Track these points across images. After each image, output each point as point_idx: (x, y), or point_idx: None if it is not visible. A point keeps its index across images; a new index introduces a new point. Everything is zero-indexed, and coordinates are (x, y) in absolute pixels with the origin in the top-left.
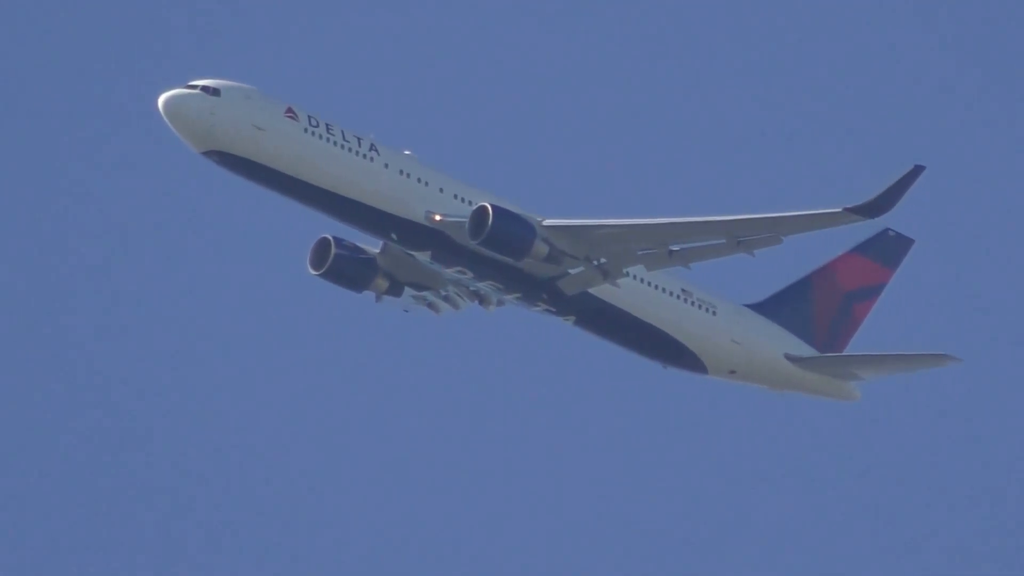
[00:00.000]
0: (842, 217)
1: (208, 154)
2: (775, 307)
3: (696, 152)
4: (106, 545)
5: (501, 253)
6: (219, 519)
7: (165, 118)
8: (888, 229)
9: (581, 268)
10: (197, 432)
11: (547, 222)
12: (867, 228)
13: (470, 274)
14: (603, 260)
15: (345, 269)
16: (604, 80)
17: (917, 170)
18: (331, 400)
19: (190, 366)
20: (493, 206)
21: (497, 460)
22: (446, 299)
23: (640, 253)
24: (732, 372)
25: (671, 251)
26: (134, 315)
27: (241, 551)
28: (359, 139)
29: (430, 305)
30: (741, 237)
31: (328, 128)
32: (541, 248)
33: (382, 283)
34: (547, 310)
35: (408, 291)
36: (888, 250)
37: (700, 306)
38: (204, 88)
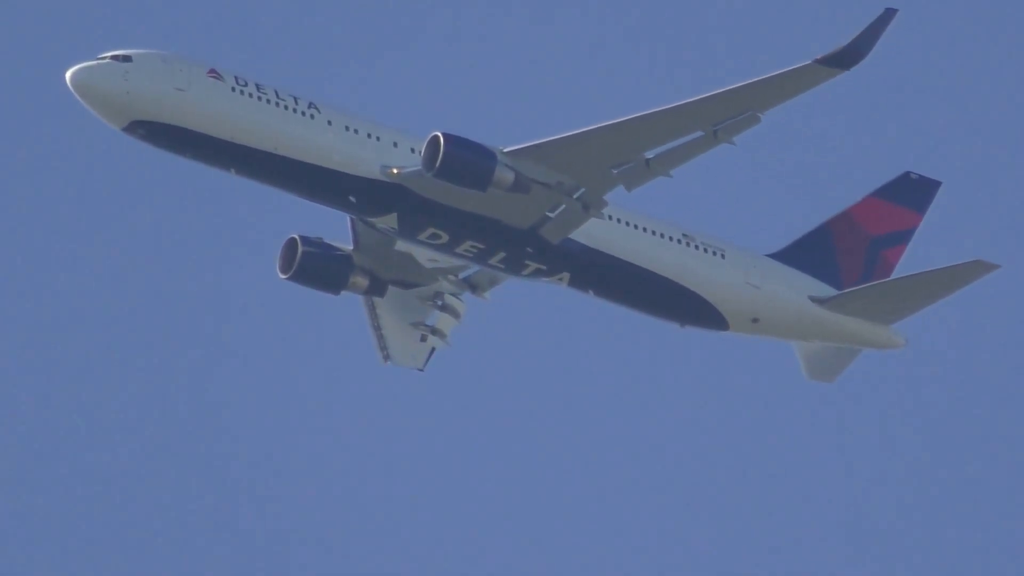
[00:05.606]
0: (815, 71)
1: (130, 128)
2: (793, 255)
3: None
4: None
5: (463, 183)
6: None
7: (76, 94)
8: (909, 172)
9: (562, 207)
10: None
11: (508, 149)
12: (888, 172)
13: (444, 237)
14: (581, 190)
15: (316, 268)
16: None
17: (889, 13)
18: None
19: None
20: (446, 133)
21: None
22: (443, 308)
23: (616, 172)
24: (755, 321)
25: (648, 160)
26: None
27: None
28: (295, 98)
29: (434, 332)
30: (717, 124)
31: (259, 87)
32: (505, 175)
33: (361, 281)
34: (537, 270)
35: (392, 290)
36: (912, 193)
37: (706, 250)
38: (114, 57)
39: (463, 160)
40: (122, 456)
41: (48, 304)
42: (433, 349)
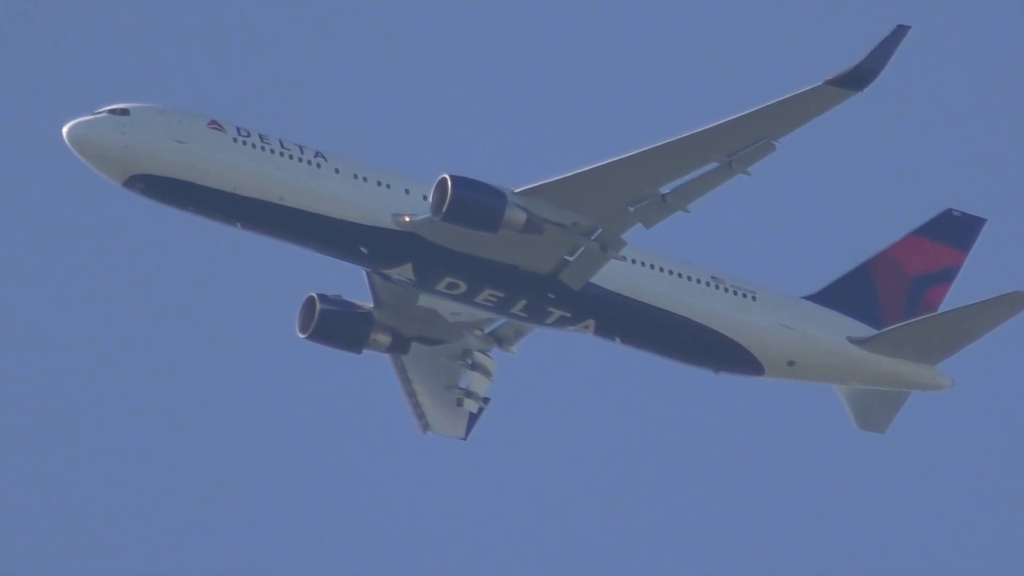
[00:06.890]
0: (826, 93)
1: (131, 183)
2: (832, 296)
3: None
4: None
5: (473, 226)
6: None
7: (73, 149)
8: (951, 209)
9: (580, 249)
10: None
11: (519, 189)
12: (929, 210)
13: (462, 286)
14: (598, 231)
15: (336, 326)
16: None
17: (901, 31)
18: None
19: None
20: (453, 175)
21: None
22: (473, 367)
23: (632, 209)
24: (791, 364)
25: (663, 195)
26: None
27: None
28: (301, 147)
29: (468, 395)
30: (731, 153)
31: (262, 137)
32: (517, 215)
33: (383, 339)
34: (561, 318)
35: (420, 351)
36: (955, 231)
37: (736, 292)
38: (111, 110)
39: (472, 202)
40: (146, 531)
41: (57, 373)
42: (472, 415)
